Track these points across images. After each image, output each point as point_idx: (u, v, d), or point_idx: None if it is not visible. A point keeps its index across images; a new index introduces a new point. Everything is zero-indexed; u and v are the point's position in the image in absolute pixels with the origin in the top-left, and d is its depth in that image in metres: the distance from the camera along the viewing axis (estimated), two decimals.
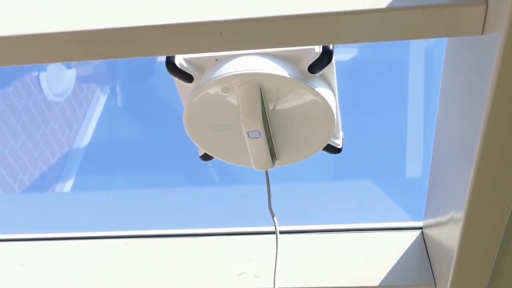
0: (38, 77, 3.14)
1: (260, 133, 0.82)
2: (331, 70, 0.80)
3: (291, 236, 1.18)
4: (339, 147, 0.92)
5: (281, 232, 1.18)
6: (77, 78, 3.29)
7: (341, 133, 0.92)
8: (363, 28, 0.61)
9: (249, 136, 0.83)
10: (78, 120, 3.29)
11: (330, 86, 0.82)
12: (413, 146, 2.38)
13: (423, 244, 1.11)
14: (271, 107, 0.82)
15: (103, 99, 3.38)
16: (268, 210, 0.97)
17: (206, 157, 0.94)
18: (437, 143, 0.96)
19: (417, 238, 1.13)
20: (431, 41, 2.55)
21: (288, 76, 0.77)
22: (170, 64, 0.79)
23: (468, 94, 0.71)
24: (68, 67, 3.24)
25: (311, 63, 0.77)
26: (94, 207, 1.79)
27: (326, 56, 0.76)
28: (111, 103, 3.36)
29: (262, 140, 0.83)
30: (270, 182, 0.96)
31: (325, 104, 0.81)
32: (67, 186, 3.07)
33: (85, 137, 3.27)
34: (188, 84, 0.82)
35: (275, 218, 0.97)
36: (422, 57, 2.59)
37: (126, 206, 1.86)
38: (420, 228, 1.14)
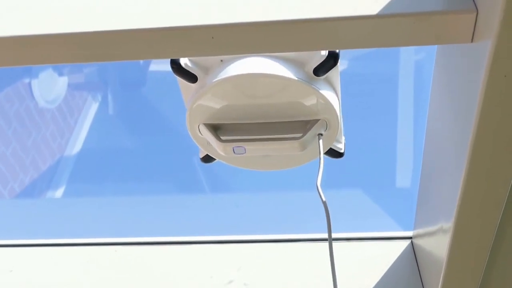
0: (30, 84, 3.13)
1: (242, 147, 0.83)
2: (335, 73, 0.80)
3: (282, 244, 1.18)
4: (341, 151, 0.91)
5: (270, 241, 1.18)
6: (69, 85, 3.28)
7: (343, 137, 0.91)
8: (354, 34, 0.62)
9: (239, 153, 0.83)
10: (70, 128, 3.28)
11: (334, 89, 0.82)
12: (403, 156, 2.39)
13: (413, 254, 1.11)
14: (271, 108, 0.82)
15: (94, 107, 3.37)
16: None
17: (207, 159, 0.93)
18: (426, 153, 0.96)
19: (406, 248, 1.13)
20: (421, 54, 2.56)
21: (292, 78, 0.77)
22: (175, 64, 0.79)
23: (457, 103, 0.71)
24: (60, 74, 3.23)
25: (316, 66, 0.77)
26: (84, 214, 1.79)
27: (331, 59, 0.76)
28: (103, 111, 3.35)
29: (257, 144, 0.83)
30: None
31: (329, 106, 0.81)
32: (58, 193, 3.06)
33: (76, 145, 3.25)
34: (192, 85, 0.82)
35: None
36: (412, 70, 2.60)
37: (116, 213, 1.85)
38: (410, 238, 1.14)
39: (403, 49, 2.49)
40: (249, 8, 0.62)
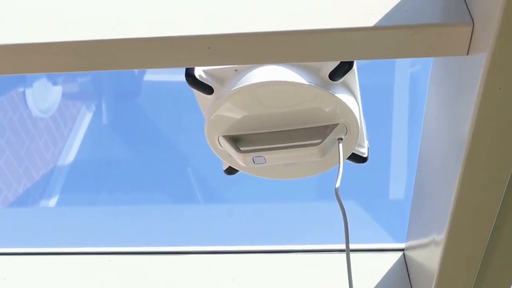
0: (24, 93, 3.11)
1: (262, 157, 0.83)
2: (352, 77, 0.80)
3: (276, 255, 1.18)
4: (365, 156, 0.90)
5: (264, 251, 1.18)
6: (63, 94, 3.27)
7: (366, 142, 0.91)
8: (350, 46, 0.62)
9: (259, 163, 0.83)
10: (63, 137, 3.27)
11: (353, 93, 0.82)
12: (397, 168, 2.39)
13: (405, 266, 1.11)
14: (290, 115, 0.82)
15: (88, 116, 3.36)
16: None
17: (230, 170, 0.93)
18: (420, 165, 0.96)
19: (398, 260, 1.13)
20: (417, 66, 2.57)
21: (308, 83, 0.77)
22: (190, 76, 0.79)
23: (452, 116, 0.72)
24: (55, 83, 3.22)
25: (331, 70, 0.77)
26: (77, 223, 1.78)
27: (346, 63, 0.76)
28: (97, 120, 3.34)
29: (276, 152, 0.83)
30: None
31: (347, 110, 0.81)
32: (51, 202, 3.04)
33: (70, 154, 3.24)
34: (208, 96, 0.82)
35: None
36: (407, 82, 2.61)
37: (109, 223, 1.85)
38: (402, 249, 1.14)
39: (398, 61, 2.50)
40: (246, 19, 0.63)
